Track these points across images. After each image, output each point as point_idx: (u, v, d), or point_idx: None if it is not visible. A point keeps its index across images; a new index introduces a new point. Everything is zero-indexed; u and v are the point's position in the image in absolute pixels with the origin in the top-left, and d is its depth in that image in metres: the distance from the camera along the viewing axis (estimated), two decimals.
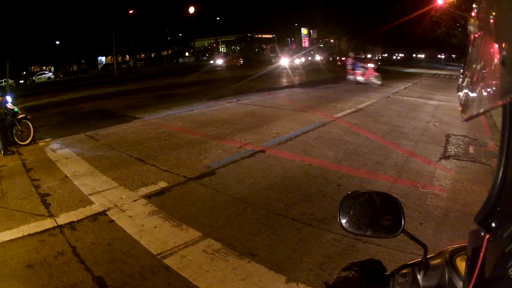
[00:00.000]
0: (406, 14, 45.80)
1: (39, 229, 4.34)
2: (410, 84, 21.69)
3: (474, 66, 0.70)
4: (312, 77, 26.37)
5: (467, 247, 0.79)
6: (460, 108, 0.76)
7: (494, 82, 0.54)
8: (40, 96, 20.99)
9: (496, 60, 0.53)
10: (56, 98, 19.17)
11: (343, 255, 3.67)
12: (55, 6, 44.35)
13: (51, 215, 4.73)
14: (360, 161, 6.73)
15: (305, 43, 65.17)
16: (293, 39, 72.63)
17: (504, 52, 0.51)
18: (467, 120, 0.71)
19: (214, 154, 7.23)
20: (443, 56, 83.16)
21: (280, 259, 3.65)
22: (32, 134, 8.63)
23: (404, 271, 1.09)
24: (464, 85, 0.81)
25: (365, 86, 19.09)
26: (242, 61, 50.60)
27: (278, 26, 69.84)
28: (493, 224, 0.66)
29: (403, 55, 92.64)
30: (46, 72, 51.58)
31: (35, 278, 3.39)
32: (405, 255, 3.52)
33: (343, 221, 1.21)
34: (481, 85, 0.61)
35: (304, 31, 68.04)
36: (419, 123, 10.24)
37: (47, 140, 8.98)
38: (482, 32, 0.67)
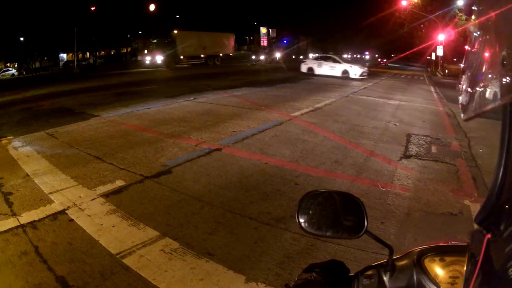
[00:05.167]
0: (369, 16, 47.26)
1: (3, 229, 4.25)
2: (370, 84, 22.22)
3: (474, 66, 0.70)
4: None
5: (468, 246, 0.79)
6: (460, 108, 0.76)
7: (494, 82, 0.54)
8: (3, 93, 20.17)
9: (496, 60, 0.53)
10: (18, 95, 18.57)
11: (302, 255, 3.68)
12: (19, 1, 42.96)
13: (14, 214, 4.64)
14: (318, 160, 6.79)
15: (264, 42, 65.19)
16: (252, 37, 72.75)
17: (504, 52, 0.50)
18: (467, 120, 0.70)
19: (171, 152, 7.11)
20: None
21: (238, 258, 3.61)
22: None
23: (369, 272, 1.06)
24: (465, 85, 0.80)
25: (324, 85, 19.37)
26: None
27: (239, 24, 69.82)
28: (493, 224, 0.66)
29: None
30: (10, 69, 50.96)
31: (1, 277, 3.36)
32: (367, 255, 3.57)
33: (302, 221, 1.16)
34: (481, 85, 0.60)
35: (263, 30, 68.31)
36: (379, 123, 10.44)
37: (9, 138, 8.68)
38: (482, 32, 0.67)
